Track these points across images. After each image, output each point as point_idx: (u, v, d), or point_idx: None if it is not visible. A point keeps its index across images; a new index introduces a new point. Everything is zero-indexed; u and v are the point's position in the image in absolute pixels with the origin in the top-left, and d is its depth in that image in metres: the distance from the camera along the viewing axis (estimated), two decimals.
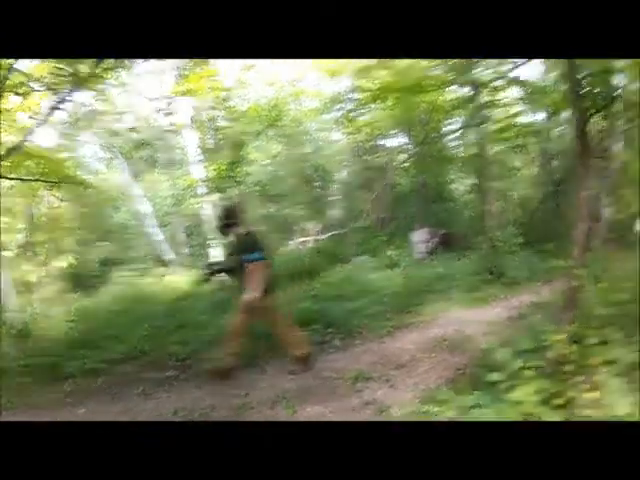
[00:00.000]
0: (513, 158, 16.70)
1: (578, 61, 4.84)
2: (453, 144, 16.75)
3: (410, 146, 17.13)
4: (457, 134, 15.90)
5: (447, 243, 13.53)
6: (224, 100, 12.01)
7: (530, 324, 5.52)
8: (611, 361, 3.77)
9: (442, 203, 16.61)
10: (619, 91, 5.33)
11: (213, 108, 12.22)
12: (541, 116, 14.47)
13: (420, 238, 13.65)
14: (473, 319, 7.06)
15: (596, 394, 3.50)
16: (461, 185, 18.22)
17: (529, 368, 4.10)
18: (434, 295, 8.83)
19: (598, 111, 5.59)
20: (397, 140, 17.72)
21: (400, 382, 4.91)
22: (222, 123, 12.54)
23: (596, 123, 10.25)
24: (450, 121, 15.54)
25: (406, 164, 17.76)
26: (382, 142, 17.63)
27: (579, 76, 4.71)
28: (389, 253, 12.82)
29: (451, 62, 10.29)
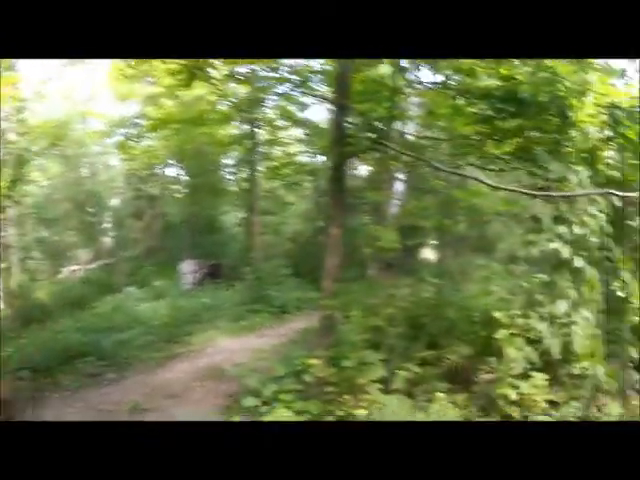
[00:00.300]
0: (288, 194, 17.73)
1: (357, 108, 5.44)
2: (228, 178, 17.35)
3: (185, 177, 17.27)
4: (233, 168, 16.49)
5: (216, 274, 13.73)
6: (18, 111, 10.66)
7: (291, 350, 6.06)
8: (378, 380, 4.32)
9: (212, 234, 16.88)
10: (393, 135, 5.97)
11: (5, 119, 10.72)
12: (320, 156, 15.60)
13: (188, 269, 13.66)
14: (240, 347, 7.34)
15: (364, 411, 4.01)
16: (233, 218, 18.81)
17: (288, 392, 4.55)
18: (202, 325, 8.97)
19: (363, 153, 6.39)
20: (173, 170, 17.72)
21: (175, 411, 4.93)
22: (11, 136, 11.04)
23: (376, 164, 11.33)
24: (227, 155, 16.11)
25: (179, 195, 17.81)
26: (158, 171, 17.43)
27: (354, 121, 5.36)
28: (157, 284, 12.61)
29: (240, 99, 10.77)
